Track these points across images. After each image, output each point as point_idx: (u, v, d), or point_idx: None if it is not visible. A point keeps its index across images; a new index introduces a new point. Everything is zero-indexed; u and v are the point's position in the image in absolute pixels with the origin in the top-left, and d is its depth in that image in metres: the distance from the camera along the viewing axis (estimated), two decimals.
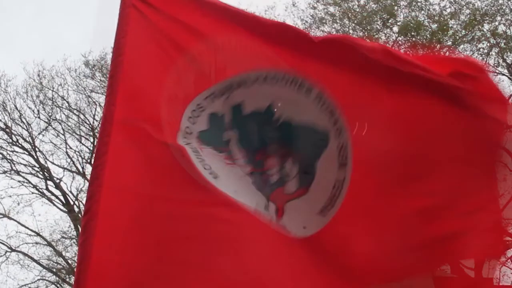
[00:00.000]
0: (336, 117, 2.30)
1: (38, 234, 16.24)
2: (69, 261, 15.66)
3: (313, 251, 2.23)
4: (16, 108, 16.61)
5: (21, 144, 16.63)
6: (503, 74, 13.53)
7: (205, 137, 2.31)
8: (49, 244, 16.22)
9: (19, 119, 16.62)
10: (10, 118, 16.59)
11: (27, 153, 16.63)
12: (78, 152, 16.75)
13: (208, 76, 2.33)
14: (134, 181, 2.17)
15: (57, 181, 16.53)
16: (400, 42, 13.65)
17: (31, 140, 16.61)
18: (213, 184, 2.23)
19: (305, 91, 2.32)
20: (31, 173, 16.63)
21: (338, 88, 2.32)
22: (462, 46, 13.50)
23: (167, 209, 2.20)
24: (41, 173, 16.64)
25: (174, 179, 2.23)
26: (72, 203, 16.33)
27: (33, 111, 16.65)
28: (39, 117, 16.66)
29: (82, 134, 16.79)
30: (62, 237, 16.36)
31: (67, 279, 15.78)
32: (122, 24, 2.29)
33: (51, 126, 16.69)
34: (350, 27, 13.91)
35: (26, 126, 16.62)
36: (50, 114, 16.74)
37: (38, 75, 16.76)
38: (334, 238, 2.25)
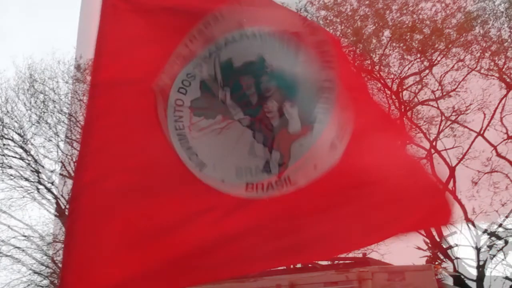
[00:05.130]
0: (327, 73, 2.37)
1: (28, 238, 16.16)
2: (60, 265, 15.54)
3: (326, 191, 2.28)
4: (8, 111, 16.54)
5: (12, 148, 16.55)
6: (497, 78, 13.58)
7: (197, 104, 2.31)
8: (39, 248, 16.14)
9: (10, 120, 16.56)
10: (1, 121, 16.51)
11: (18, 157, 16.55)
12: (70, 156, 16.67)
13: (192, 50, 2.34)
14: (116, 181, 2.17)
15: (49, 185, 16.47)
16: (392, 47, 13.70)
17: (22, 144, 16.53)
18: (197, 178, 2.25)
19: (293, 48, 2.37)
20: (22, 177, 16.55)
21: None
22: (454, 49, 13.55)
23: (152, 207, 2.19)
24: (32, 177, 16.57)
25: (160, 175, 2.23)
26: (63, 207, 16.23)
27: (24, 114, 16.60)
28: (30, 121, 16.60)
29: (74, 138, 16.71)
30: (54, 240, 16.28)
31: (58, 284, 15.67)
32: (102, 24, 2.26)
33: (42, 130, 16.63)
34: (342, 31, 13.91)
35: (17, 130, 16.56)
36: (41, 117, 16.67)
37: (30, 77, 16.70)
38: (350, 171, 2.32)
